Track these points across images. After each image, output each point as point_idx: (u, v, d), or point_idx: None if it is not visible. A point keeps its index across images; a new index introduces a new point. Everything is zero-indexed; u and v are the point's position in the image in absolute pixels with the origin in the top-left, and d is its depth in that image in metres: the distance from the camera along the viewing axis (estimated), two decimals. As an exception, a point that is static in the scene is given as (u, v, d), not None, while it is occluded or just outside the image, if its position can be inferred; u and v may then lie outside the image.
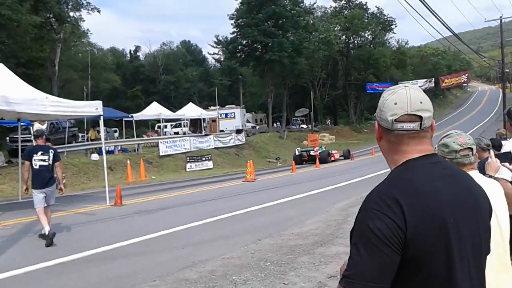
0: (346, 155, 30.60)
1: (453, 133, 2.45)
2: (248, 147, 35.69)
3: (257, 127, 47.82)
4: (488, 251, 1.50)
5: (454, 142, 2.37)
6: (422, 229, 1.29)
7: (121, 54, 70.80)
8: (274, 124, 56.35)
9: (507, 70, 58.53)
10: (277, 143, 41.54)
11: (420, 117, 1.40)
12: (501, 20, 42.81)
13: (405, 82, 56.40)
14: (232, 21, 50.49)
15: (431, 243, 1.31)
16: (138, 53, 72.29)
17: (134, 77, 64.10)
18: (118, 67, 63.47)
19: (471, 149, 2.36)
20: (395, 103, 1.42)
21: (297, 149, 31.46)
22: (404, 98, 1.41)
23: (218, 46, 67.94)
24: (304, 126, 57.90)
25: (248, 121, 45.80)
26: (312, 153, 28.98)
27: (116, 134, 35.98)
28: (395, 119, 1.41)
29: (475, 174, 2.13)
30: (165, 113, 32.01)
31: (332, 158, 29.59)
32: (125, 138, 32.03)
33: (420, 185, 1.35)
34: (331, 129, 57.63)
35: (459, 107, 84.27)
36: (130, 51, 72.42)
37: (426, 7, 17.34)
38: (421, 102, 1.41)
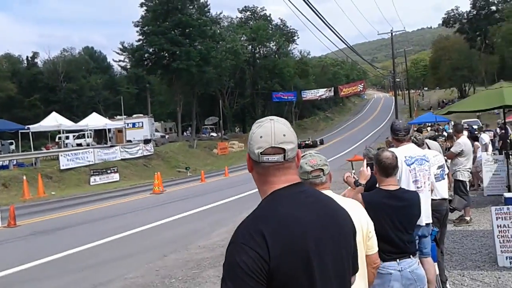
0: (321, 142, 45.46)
1: (307, 154, 2.52)
2: (157, 158, 34.96)
3: (167, 136, 46.99)
4: (356, 269, 1.63)
5: (306, 163, 2.46)
6: (285, 259, 1.34)
7: (17, 61, 65.74)
8: (184, 133, 55.85)
9: (398, 79, 63.71)
10: (187, 152, 41.21)
11: (284, 150, 1.47)
12: (391, 33, 46.71)
13: (307, 91, 59.35)
14: (138, 29, 49.39)
15: (294, 272, 1.35)
16: (36, 60, 67.59)
17: (31, 85, 59.94)
18: (14, 74, 59.14)
19: (322, 170, 2.46)
20: (261, 137, 1.49)
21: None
22: (269, 131, 1.49)
23: (124, 53, 65.63)
24: (214, 134, 58.14)
25: (157, 131, 44.83)
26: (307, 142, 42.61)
27: (12, 147, 33.28)
28: (261, 152, 1.47)
29: (330, 194, 2.24)
30: (66, 123, 30.13)
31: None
32: (22, 151, 29.70)
33: (284, 215, 1.40)
34: (240, 136, 58.38)
35: (357, 113, 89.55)
36: (27, 57, 67.39)
37: (322, 20, 18.38)
38: (284, 135, 1.49)
